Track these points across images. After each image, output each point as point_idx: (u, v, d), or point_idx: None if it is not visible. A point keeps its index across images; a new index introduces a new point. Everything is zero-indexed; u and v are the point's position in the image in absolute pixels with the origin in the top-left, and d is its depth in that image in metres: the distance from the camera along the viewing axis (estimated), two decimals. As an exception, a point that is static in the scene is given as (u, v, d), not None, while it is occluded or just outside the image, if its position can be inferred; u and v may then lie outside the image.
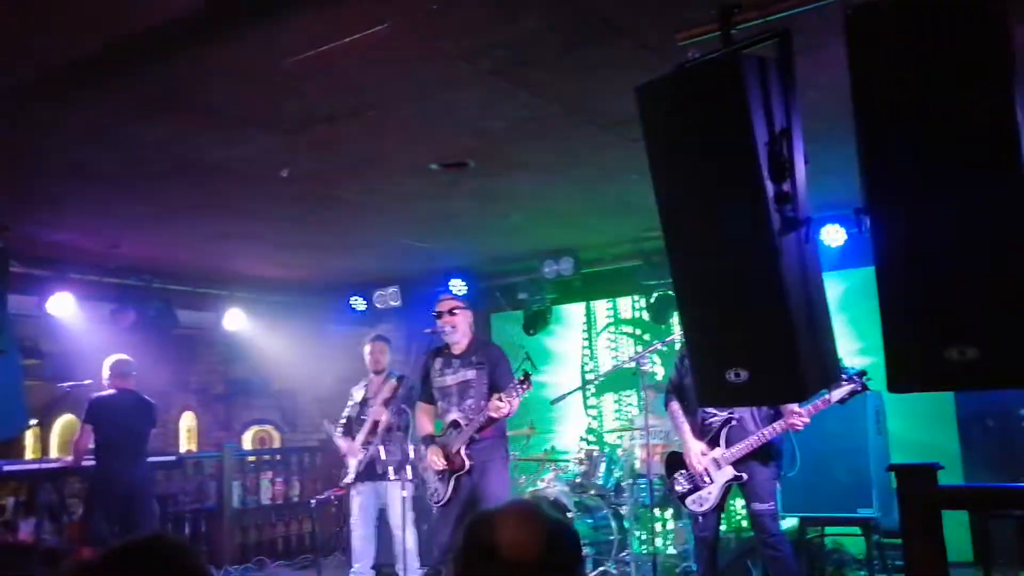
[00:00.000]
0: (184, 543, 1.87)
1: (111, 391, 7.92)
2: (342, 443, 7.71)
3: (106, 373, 8.01)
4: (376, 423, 7.36)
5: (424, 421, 6.67)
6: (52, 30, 4.23)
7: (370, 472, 7.42)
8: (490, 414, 6.02)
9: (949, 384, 3.05)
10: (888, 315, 2.85)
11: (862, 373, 5.70)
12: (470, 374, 6.34)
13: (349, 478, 7.57)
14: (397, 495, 7.21)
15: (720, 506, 6.04)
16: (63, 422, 12.91)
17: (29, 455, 12.45)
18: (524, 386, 5.99)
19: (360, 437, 7.49)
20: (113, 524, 7.66)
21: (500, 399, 5.96)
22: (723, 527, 7.62)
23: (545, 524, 1.99)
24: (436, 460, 6.27)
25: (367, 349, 7.80)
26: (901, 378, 2.84)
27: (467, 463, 6.15)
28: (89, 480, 8.15)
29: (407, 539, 7.10)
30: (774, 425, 5.81)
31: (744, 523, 8.26)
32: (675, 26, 3.84)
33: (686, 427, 6.16)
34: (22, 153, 5.93)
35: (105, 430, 7.76)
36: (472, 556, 2.00)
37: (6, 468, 8.45)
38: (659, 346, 7.22)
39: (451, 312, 6.47)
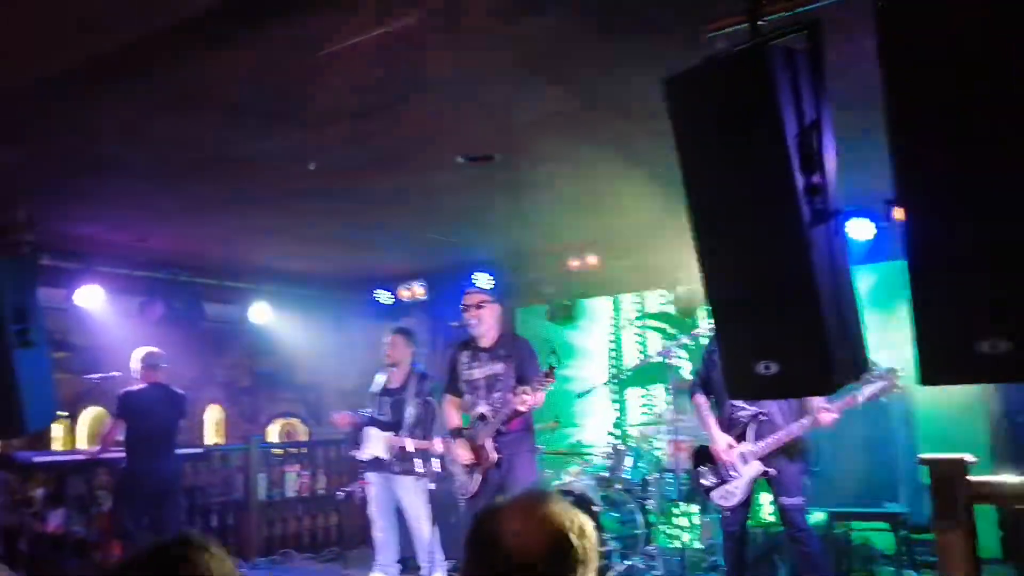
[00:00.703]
0: (211, 544, 1.84)
1: (141, 385, 7.97)
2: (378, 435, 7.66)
3: (136, 366, 8.06)
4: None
5: (452, 414, 6.68)
6: (81, 27, 4.26)
7: (379, 463, 7.42)
8: (515, 407, 6.02)
9: (980, 377, 3.01)
10: (919, 308, 2.83)
11: (893, 371, 5.63)
12: (498, 367, 6.35)
13: (362, 455, 7.53)
14: (409, 488, 7.24)
15: (747, 501, 6.00)
16: (91, 414, 12.99)
17: (58, 447, 12.55)
18: (548, 379, 5.99)
19: (387, 440, 7.44)
20: (141, 518, 7.71)
21: (525, 391, 5.97)
22: (749, 522, 7.59)
23: (554, 518, 1.93)
24: (463, 454, 6.29)
25: (386, 340, 7.74)
26: (932, 371, 2.82)
27: (493, 456, 6.16)
28: (118, 474, 8.21)
29: (423, 532, 7.11)
30: (802, 421, 5.76)
31: (771, 518, 8.23)
32: (703, 17, 3.82)
33: (712, 420, 6.14)
34: (52, 148, 5.98)
35: (136, 425, 7.81)
36: (476, 547, 1.95)
37: (35, 460, 8.52)
38: (686, 340, 7.18)
39: (478, 306, 6.48)
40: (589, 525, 2.00)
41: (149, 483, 7.77)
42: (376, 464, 7.46)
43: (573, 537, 1.93)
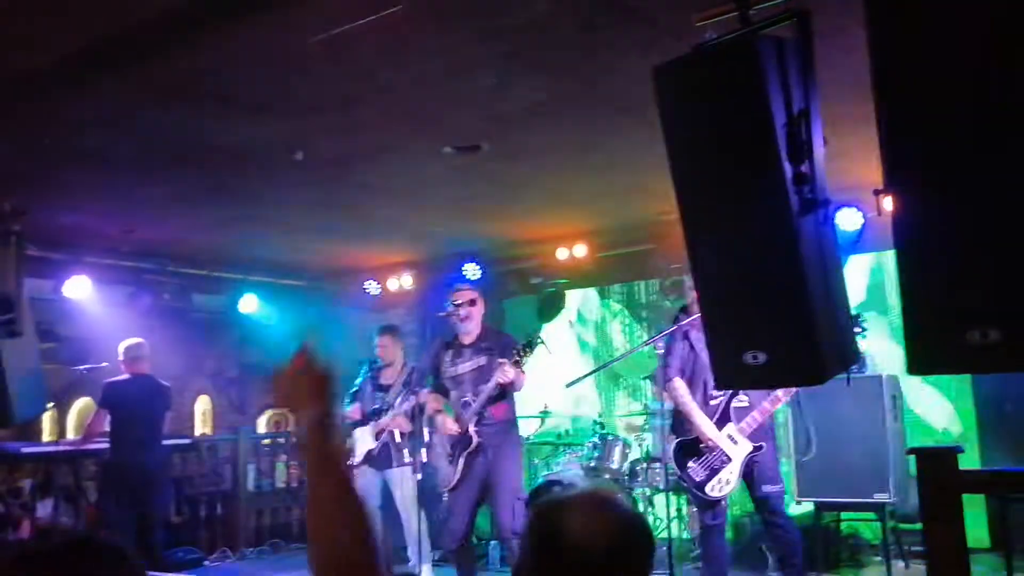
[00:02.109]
0: (120, 547, 1.76)
1: (125, 376, 7.94)
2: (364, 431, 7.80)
3: (120, 358, 8.03)
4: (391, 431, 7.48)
5: (434, 401, 6.70)
6: (67, 16, 4.23)
7: (370, 458, 7.52)
8: (497, 380, 6.06)
9: (970, 367, 3.03)
10: (908, 297, 2.83)
11: (855, 316, 5.33)
12: (482, 360, 6.39)
13: (355, 459, 7.66)
14: (399, 481, 7.32)
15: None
16: (80, 405, 12.92)
17: (46, 437, 12.51)
18: (527, 350, 6.05)
19: (375, 427, 7.58)
20: (126, 508, 7.68)
21: (505, 363, 6.06)
22: (737, 511, 7.60)
23: (623, 514, 1.92)
24: (450, 425, 6.31)
25: (375, 342, 7.85)
26: (921, 361, 2.82)
27: (475, 439, 6.18)
28: (102, 465, 8.19)
29: (412, 523, 7.18)
30: (775, 394, 5.68)
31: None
32: (691, 7, 3.81)
33: (695, 406, 5.88)
34: (39, 138, 5.94)
35: (120, 415, 7.78)
36: (538, 541, 1.92)
37: (24, 450, 8.50)
38: (674, 330, 7.15)
39: (471, 303, 6.50)
40: (649, 524, 1.99)
41: (133, 474, 7.74)
42: (368, 459, 7.53)
43: (640, 534, 1.93)
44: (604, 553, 1.83)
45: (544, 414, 9.20)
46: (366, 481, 7.62)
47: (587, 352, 10.44)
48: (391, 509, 7.64)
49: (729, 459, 5.76)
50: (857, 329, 5.40)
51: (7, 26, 4.33)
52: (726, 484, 5.76)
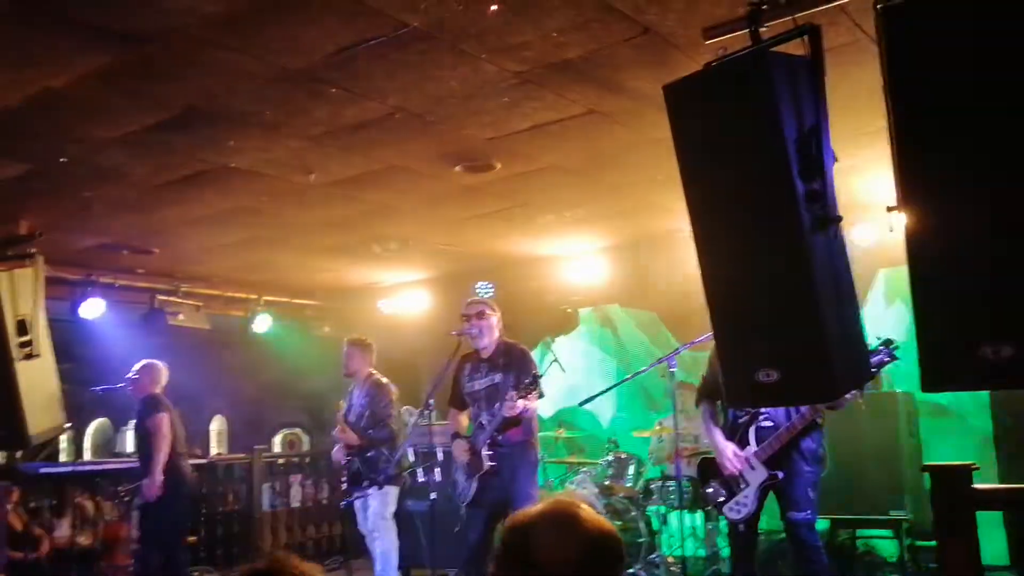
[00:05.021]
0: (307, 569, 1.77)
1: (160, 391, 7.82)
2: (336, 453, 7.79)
3: (161, 379, 7.87)
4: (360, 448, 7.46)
5: (454, 422, 6.64)
6: (82, 38, 4.26)
7: (351, 479, 7.52)
8: (503, 414, 6.00)
9: (984, 383, 3.02)
10: (921, 313, 2.82)
11: (888, 342, 5.30)
12: (497, 378, 6.28)
13: (344, 484, 7.67)
14: (373, 498, 7.30)
15: (758, 512, 5.64)
16: (96, 425, 13.00)
17: (63, 458, 12.55)
18: (532, 386, 5.96)
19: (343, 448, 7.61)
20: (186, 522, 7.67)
21: (511, 397, 5.96)
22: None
23: (586, 525, 1.90)
24: (462, 454, 6.29)
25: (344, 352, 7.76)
26: (935, 377, 2.81)
27: (486, 464, 6.12)
28: (165, 476, 7.85)
29: (378, 543, 7.27)
30: (802, 411, 5.41)
31: (776, 523, 8.20)
32: (702, 24, 3.83)
33: (716, 429, 5.81)
34: (55, 159, 5.98)
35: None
36: (509, 563, 1.92)
37: (42, 471, 8.52)
38: (687, 347, 7.11)
39: (479, 315, 6.42)
40: (615, 529, 1.97)
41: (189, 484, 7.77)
42: (349, 479, 7.50)
43: (607, 541, 1.92)
44: (571, 569, 1.84)
45: (562, 432, 9.15)
46: (360, 503, 7.55)
47: (601, 369, 10.41)
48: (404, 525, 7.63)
49: (747, 483, 5.62)
50: (888, 358, 5.30)
51: (23, 46, 4.37)
52: (743, 507, 5.62)
